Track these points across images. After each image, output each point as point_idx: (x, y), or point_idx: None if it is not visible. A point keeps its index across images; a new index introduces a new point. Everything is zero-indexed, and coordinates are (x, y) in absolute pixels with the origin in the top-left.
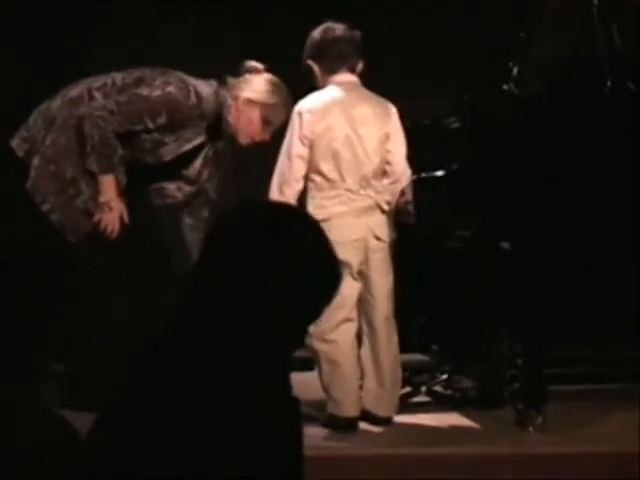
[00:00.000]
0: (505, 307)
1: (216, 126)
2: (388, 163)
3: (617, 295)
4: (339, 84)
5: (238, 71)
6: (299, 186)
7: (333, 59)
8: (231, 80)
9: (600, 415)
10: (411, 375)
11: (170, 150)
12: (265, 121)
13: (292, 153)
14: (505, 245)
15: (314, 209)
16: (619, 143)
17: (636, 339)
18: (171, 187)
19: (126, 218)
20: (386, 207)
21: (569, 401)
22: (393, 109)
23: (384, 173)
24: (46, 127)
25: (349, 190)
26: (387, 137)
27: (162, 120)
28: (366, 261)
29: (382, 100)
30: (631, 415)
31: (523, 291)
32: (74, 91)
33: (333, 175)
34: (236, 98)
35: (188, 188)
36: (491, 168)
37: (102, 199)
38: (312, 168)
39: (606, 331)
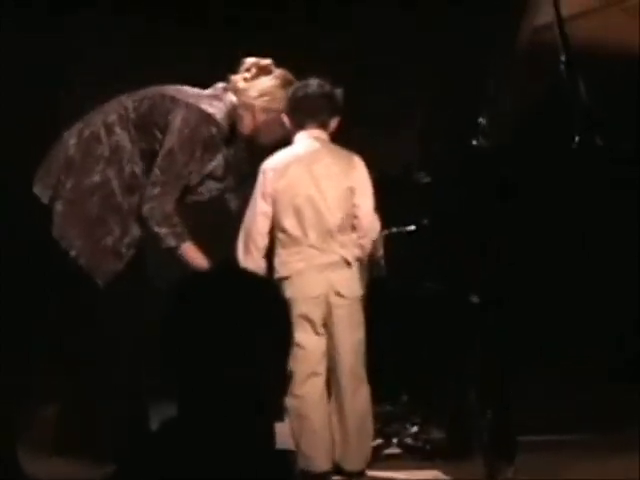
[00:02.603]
0: (473, 358)
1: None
2: (355, 217)
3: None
4: (305, 139)
5: (244, 69)
6: (264, 242)
7: (301, 114)
8: (240, 84)
9: (571, 466)
10: (382, 427)
11: (197, 171)
12: (282, 118)
13: (256, 211)
14: (474, 298)
15: (278, 266)
16: (588, 196)
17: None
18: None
19: None
20: (354, 262)
21: (540, 451)
22: (359, 163)
23: (353, 227)
24: (67, 170)
25: (312, 246)
26: (352, 191)
27: (200, 158)
28: (329, 316)
29: (348, 154)
30: (600, 465)
31: (491, 343)
32: (88, 129)
33: (296, 231)
34: (251, 107)
35: (214, 184)
36: (461, 223)
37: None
38: (276, 225)
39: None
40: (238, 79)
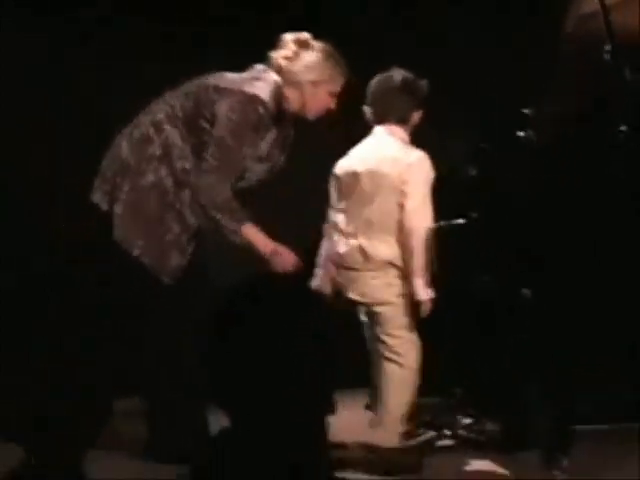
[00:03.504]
0: (532, 353)
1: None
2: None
3: None
4: (381, 135)
5: (282, 47)
6: None
7: (379, 109)
8: (282, 62)
9: (628, 455)
10: (435, 418)
11: (250, 155)
12: (331, 94)
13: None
14: (526, 292)
15: None
16: (635, 192)
17: None
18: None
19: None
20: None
21: (595, 442)
22: (414, 165)
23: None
24: (122, 173)
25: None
26: (403, 195)
27: (252, 141)
28: None
29: (405, 155)
30: None
31: (549, 339)
32: (137, 130)
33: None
34: (297, 83)
35: (260, 167)
36: (510, 215)
37: (262, 253)
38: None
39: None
40: (279, 57)
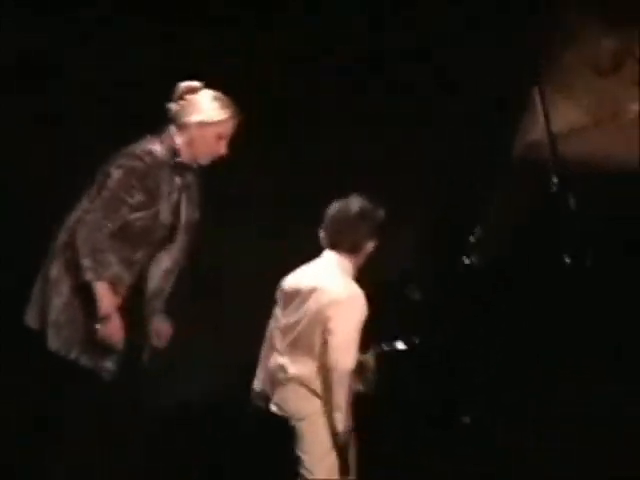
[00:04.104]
0: None
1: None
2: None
3: None
4: (327, 260)
5: (176, 96)
6: None
7: (330, 234)
8: (173, 108)
9: None
10: None
11: (166, 211)
12: (219, 137)
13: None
14: (465, 419)
15: None
16: (576, 318)
17: None
18: None
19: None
20: None
21: None
22: (343, 303)
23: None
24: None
25: None
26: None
27: (138, 192)
28: None
29: (338, 289)
30: None
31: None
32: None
33: None
34: (185, 125)
35: (164, 217)
36: (451, 342)
37: (100, 311)
38: None
39: None
40: (172, 105)
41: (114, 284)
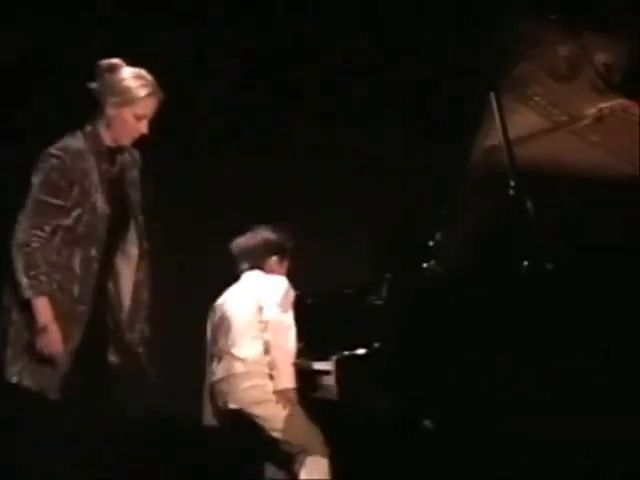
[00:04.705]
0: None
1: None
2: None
3: None
4: (245, 279)
5: (95, 74)
6: None
7: (239, 260)
8: (93, 87)
9: None
10: None
11: (102, 200)
12: (138, 117)
13: None
14: (427, 423)
15: None
16: (535, 323)
17: None
18: None
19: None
20: None
21: None
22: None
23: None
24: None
25: None
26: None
27: (65, 190)
28: None
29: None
30: None
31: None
32: None
33: None
34: (102, 106)
35: (100, 205)
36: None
37: (36, 322)
38: None
39: None
40: (92, 85)
41: (54, 297)
